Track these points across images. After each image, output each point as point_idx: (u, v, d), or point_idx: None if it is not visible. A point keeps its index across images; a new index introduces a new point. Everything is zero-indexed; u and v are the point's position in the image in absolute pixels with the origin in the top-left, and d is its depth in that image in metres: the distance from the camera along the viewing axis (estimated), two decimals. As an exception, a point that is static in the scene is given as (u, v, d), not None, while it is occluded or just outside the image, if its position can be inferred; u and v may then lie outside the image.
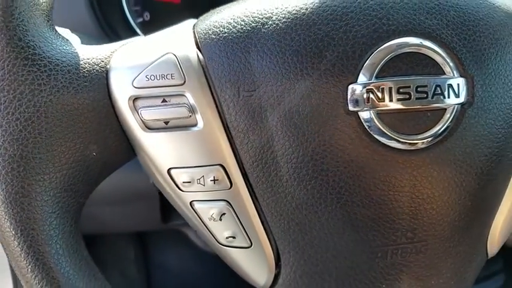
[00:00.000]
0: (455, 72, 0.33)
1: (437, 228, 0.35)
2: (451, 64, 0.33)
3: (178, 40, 0.34)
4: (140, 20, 0.68)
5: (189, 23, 0.36)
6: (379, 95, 0.32)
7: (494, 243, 0.40)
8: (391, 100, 0.32)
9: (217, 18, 0.34)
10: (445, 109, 0.33)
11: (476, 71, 0.34)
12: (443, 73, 0.33)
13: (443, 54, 0.33)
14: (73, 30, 0.50)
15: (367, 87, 0.32)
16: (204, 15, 0.36)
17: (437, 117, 0.33)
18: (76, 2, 0.57)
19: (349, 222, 0.34)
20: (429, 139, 0.33)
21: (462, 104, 0.33)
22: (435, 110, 0.33)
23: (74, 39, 0.48)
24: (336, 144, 0.33)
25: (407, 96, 0.32)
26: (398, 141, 0.33)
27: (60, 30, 0.47)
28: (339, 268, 0.36)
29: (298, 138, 0.33)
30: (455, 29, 0.34)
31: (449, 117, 0.33)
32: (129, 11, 0.64)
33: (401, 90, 0.32)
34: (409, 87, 0.32)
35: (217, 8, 0.36)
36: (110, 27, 0.60)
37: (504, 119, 0.35)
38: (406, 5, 0.33)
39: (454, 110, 0.33)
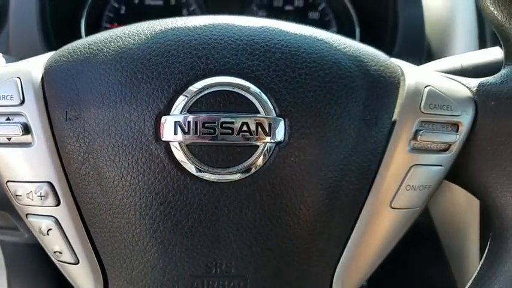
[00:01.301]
0: (270, 112, 0.34)
1: (257, 264, 0.36)
2: (266, 104, 0.34)
3: (32, 66, 0.38)
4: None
5: (54, 52, 0.39)
6: (186, 128, 0.34)
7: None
8: (196, 134, 0.34)
9: (65, 48, 0.38)
10: (258, 146, 0.34)
11: (296, 113, 0.35)
12: (257, 112, 0.34)
13: (259, 94, 0.34)
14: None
15: (175, 120, 0.34)
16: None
17: (247, 154, 0.34)
18: (29, 29, 0.63)
19: (163, 250, 0.35)
20: (238, 174, 0.34)
21: (277, 143, 0.34)
22: (244, 146, 0.34)
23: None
24: (148, 171, 0.34)
25: (212, 131, 0.33)
26: (207, 173, 0.34)
27: None
28: None
29: (115, 163, 0.35)
30: (278, 70, 0.35)
31: (259, 155, 0.34)
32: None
33: (206, 125, 0.34)
34: (215, 123, 0.33)
35: None
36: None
37: (333, 163, 0.35)
38: (229, 45, 0.35)
39: (266, 148, 0.34)
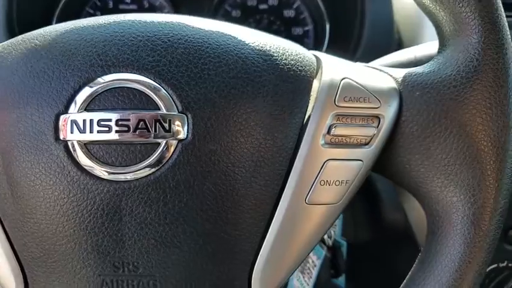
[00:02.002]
0: (172, 108, 0.34)
1: (165, 263, 0.35)
2: (167, 100, 0.34)
3: None
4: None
5: None
6: (82, 127, 0.33)
7: None
8: (91, 132, 0.33)
9: None
10: (159, 143, 0.34)
11: (199, 109, 0.34)
12: (158, 108, 0.34)
13: (159, 90, 0.34)
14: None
15: (72, 119, 0.34)
16: None
17: (148, 152, 0.34)
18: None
19: (70, 249, 0.35)
20: (138, 172, 0.34)
21: (180, 140, 0.34)
22: (144, 144, 0.33)
23: None
24: (49, 172, 0.34)
25: (107, 129, 0.33)
26: (106, 172, 0.34)
27: None
28: None
29: (20, 164, 0.35)
30: (180, 66, 0.34)
31: (161, 152, 0.34)
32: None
33: (102, 123, 0.33)
34: (110, 120, 0.33)
35: None
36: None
37: (239, 160, 0.35)
38: (129, 42, 0.35)
39: (167, 145, 0.34)
